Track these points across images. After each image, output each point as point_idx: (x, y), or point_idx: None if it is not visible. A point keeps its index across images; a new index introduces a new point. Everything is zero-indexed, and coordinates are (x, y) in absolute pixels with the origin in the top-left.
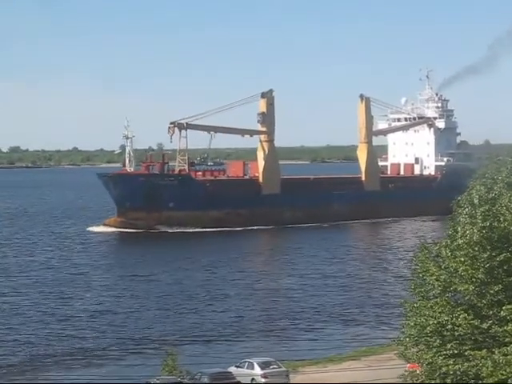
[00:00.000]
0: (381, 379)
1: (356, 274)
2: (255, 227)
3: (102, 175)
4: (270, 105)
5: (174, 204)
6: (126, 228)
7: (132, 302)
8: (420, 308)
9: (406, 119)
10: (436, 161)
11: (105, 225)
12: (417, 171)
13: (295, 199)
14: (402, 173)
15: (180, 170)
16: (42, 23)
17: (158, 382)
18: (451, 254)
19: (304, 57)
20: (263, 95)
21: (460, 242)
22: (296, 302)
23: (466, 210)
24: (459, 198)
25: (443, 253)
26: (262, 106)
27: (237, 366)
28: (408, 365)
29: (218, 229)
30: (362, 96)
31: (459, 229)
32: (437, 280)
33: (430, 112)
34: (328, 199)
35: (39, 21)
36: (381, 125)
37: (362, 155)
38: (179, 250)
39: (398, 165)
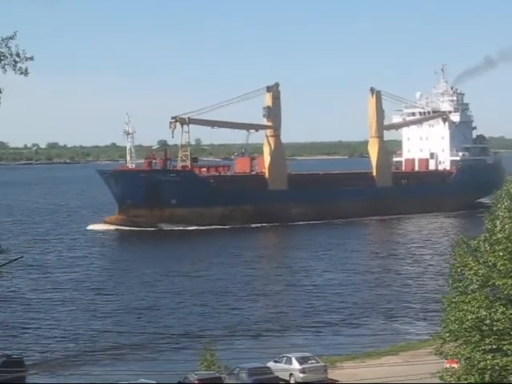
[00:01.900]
0: (418, 375)
1: (391, 269)
2: (260, 224)
3: (103, 172)
4: (276, 99)
5: (176, 201)
6: (128, 226)
7: (169, 299)
8: (458, 303)
9: (420, 113)
10: (451, 155)
11: (105, 223)
12: (432, 166)
13: (303, 195)
14: (416, 168)
15: (182, 166)
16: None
17: (196, 377)
18: (490, 248)
19: (315, 52)
20: (269, 89)
21: (499, 236)
22: (333, 297)
23: (505, 203)
24: (498, 191)
25: (482, 247)
26: (267, 99)
27: (275, 361)
28: (446, 361)
29: (222, 226)
30: (372, 89)
31: (498, 223)
32: (475, 274)
33: (445, 106)
34: (338, 195)
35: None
36: (395, 119)
37: (373, 150)
38: (199, 246)
39: (413, 160)
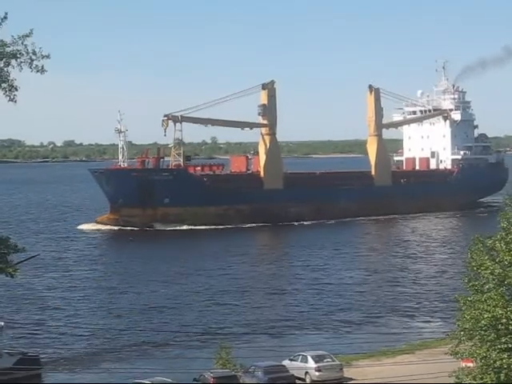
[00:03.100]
0: (433, 374)
1: (404, 267)
2: (255, 224)
3: (94, 171)
4: (272, 96)
5: (169, 200)
6: (120, 225)
7: (183, 297)
8: (474, 302)
9: (421, 112)
10: (452, 154)
11: (97, 222)
12: (433, 165)
13: (299, 195)
14: (417, 167)
15: (175, 165)
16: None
17: (211, 375)
18: (506, 247)
19: (314, 50)
20: (264, 86)
21: None
22: (348, 296)
23: None
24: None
25: (498, 246)
26: (262, 97)
27: (290, 360)
28: (462, 360)
29: (217, 226)
30: (370, 87)
31: None
32: (491, 273)
33: (446, 104)
34: (335, 195)
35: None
36: (396, 118)
37: (371, 149)
38: (204, 245)
39: (414, 159)
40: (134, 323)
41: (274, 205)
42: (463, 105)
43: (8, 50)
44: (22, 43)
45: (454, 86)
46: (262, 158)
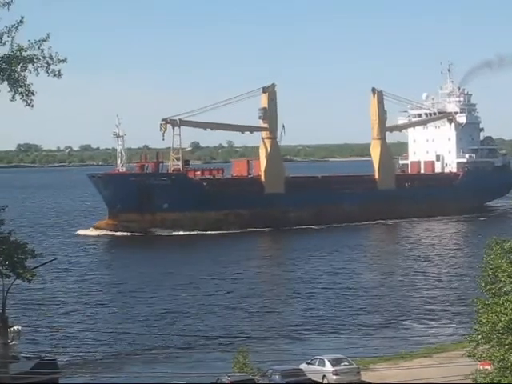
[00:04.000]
0: (451, 377)
1: (418, 271)
2: (257, 229)
3: (92, 175)
4: (272, 100)
5: (168, 205)
6: (118, 231)
7: (200, 301)
8: (491, 305)
9: (426, 115)
10: (458, 157)
11: (95, 228)
12: (438, 169)
13: (301, 199)
14: (422, 171)
15: (174, 169)
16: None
17: (229, 379)
18: None
19: (314, 50)
20: (264, 90)
21: None
22: (365, 299)
23: None
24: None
25: None
26: (263, 101)
27: (308, 363)
28: (479, 363)
29: (217, 232)
30: (373, 90)
31: None
32: (509, 276)
33: (452, 107)
34: (337, 199)
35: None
36: (401, 121)
37: (375, 152)
38: (213, 250)
39: (418, 163)
40: (151, 328)
41: (274, 209)
42: (468, 107)
43: (25, 54)
44: (39, 48)
45: (459, 89)
46: (263, 161)
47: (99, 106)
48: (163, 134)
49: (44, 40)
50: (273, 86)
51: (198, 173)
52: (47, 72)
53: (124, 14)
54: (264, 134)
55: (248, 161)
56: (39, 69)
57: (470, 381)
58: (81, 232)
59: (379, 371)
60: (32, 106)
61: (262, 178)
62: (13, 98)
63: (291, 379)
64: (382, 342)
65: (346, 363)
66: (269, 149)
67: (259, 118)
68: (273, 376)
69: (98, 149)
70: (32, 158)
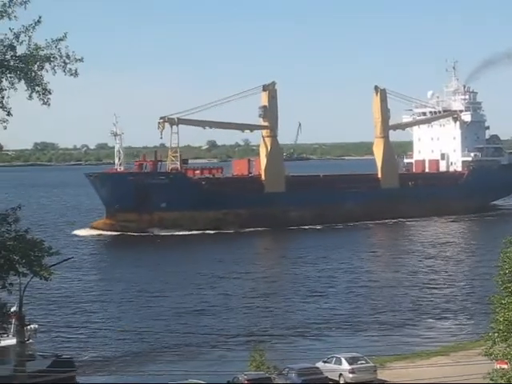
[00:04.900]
0: (468, 375)
1: (435, 269)
2: (256, 229)
3: (89, 174)
4: (272, 98)
5: (166, 204)
6: (116, 231)
7: (216, 300)
8: (508, 303)
9: (431, 113)
10: (463, 156)
11: (92, 227)
12: (443, 168)
13: (302, 198)
14: (427, 170)
15: (172, 168)
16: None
17: (245, 377)
18: None
19: (315, 50)
20: (265, 88)
21: None
22: (381, 298)
23: None
24: None
25: None
26: (263, 99)
27: (324, 362)
28: (496, 362)
29: (216, 231)
30: (376, 88)
31: None
32: None
33: (457, 105)
34: (339, 198)
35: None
36: (405, 119)
37: (378, 151)
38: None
39: (423, 161)
40: (168, 326)
41: (275, 208)
42: (474, 106)
43: (42, 53)
44: (56, 47)
45: (464, 87)
46: (263, 160)
47: (114, 105)
48: (161, 132)
49: (61, 39)
50: (273, 83)
51: (198, 172)
52: (64, 71)
53: (124, 14)
54: (264, 132)
55: (249, 160)
56: (56, 68)
57: (487, 380)
58: (78, 232)
59: (396, 369)
60: (49, 104)
61: (263, 176)
62: (30, 97)
63: (308, 377)
64: (399, 341)
65: (363, 361)
66: (269, 147)
67: (259, 116)
68: (289, 374)
69: (114, 147)
70: (48, 157)
